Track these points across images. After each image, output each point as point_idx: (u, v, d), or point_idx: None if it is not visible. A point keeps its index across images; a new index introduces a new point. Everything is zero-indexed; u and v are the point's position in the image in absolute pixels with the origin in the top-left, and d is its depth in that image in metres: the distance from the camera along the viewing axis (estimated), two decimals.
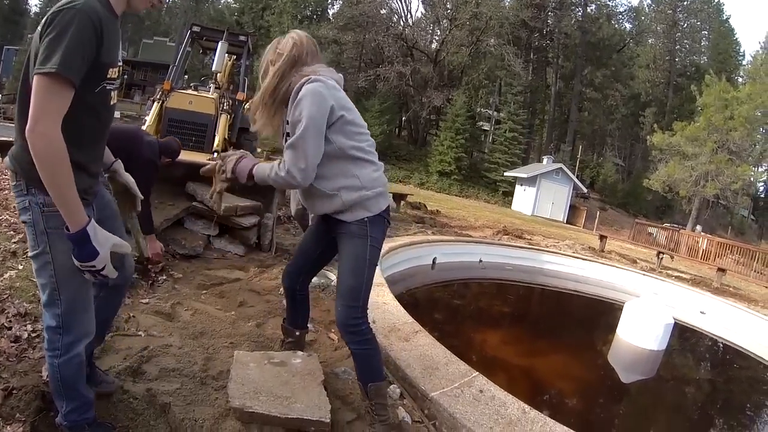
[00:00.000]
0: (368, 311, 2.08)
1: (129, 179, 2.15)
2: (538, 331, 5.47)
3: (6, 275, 2.77)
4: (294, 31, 2.06)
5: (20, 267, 2.95)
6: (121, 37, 1.58)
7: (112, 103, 1.60)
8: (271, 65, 1.99)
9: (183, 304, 3.11)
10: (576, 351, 5.14)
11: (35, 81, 1.29)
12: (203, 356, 2.48)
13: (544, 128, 43.21)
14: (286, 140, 1.97)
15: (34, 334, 2.29)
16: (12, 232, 3.72)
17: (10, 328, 2.28)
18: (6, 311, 2.40)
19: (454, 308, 5.66)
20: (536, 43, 40.32)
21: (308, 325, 2.76)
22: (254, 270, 4.13)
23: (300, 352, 2.42)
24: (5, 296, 2.53)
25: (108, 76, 1.49)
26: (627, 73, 45.04)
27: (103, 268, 1.45)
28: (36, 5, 54.18)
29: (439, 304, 5.58)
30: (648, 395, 4.46)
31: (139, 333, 2.58)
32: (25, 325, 2.33)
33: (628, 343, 5.14)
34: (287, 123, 1.96)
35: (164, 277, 3.58)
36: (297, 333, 2.50)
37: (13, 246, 3.30)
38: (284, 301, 2.58)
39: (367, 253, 2.01)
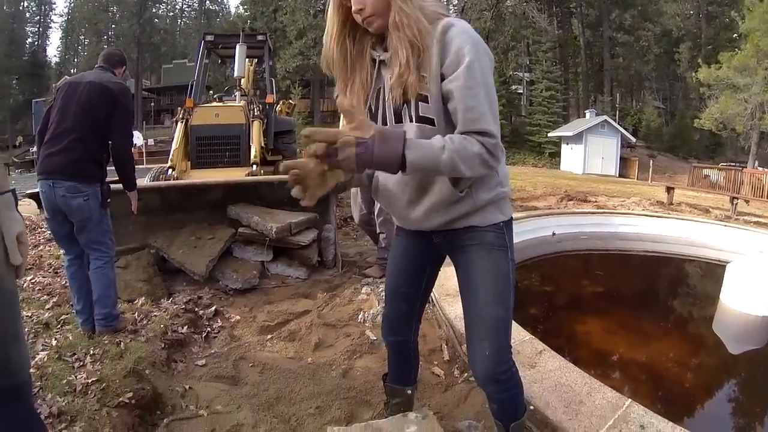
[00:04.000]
0: None
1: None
2: (637, 310, 4.80)
3: (38, 356, 2.30)
4: None
5: (53, 342, 2.49)
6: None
7: None
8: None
9: (247, 359, 2.57)
10: (687, 329, 4.46)
11: None
12: None
13: (579, 82, 41.15)
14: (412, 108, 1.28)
15: None
16: (46, 296, 3.30)
17: None
18: (38, 411, 1.91)
19: (545, 296, 5.04)
20: None
21: None
22: (323, 296, 3.54)
23: (411, 415, 1.82)
24: (36, 388, 2.03)
25: None
26: (654, 10, 42.03)
27: None
28: (55, 56, 55.40)
29: (528, 293, 4.94)
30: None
31: (201, 412, 2.06)
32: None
33: (736, 310, 4.34)
34: (422, 77, 1.24)
35: (219, 323, 3.06)
36: (408, 391, 1.85)
37: (46, 316, 2.85)
38: (384, 351, 1.95)
39: (510, 270, 1.47)
